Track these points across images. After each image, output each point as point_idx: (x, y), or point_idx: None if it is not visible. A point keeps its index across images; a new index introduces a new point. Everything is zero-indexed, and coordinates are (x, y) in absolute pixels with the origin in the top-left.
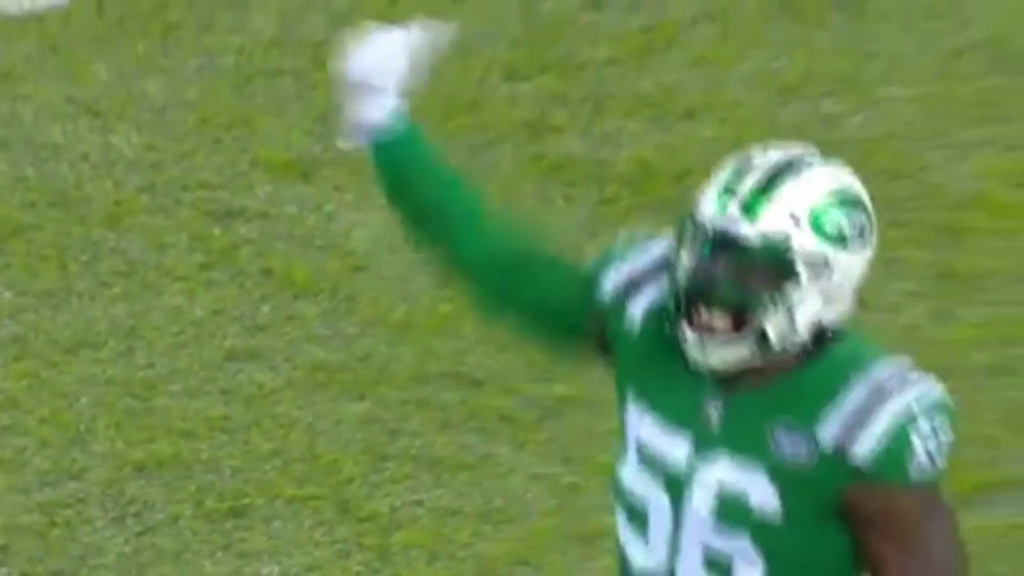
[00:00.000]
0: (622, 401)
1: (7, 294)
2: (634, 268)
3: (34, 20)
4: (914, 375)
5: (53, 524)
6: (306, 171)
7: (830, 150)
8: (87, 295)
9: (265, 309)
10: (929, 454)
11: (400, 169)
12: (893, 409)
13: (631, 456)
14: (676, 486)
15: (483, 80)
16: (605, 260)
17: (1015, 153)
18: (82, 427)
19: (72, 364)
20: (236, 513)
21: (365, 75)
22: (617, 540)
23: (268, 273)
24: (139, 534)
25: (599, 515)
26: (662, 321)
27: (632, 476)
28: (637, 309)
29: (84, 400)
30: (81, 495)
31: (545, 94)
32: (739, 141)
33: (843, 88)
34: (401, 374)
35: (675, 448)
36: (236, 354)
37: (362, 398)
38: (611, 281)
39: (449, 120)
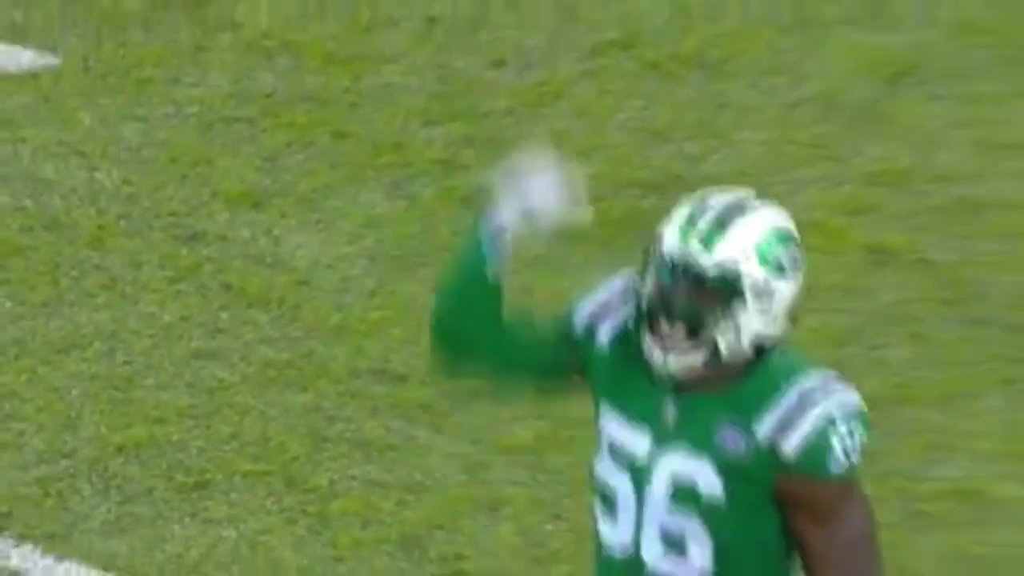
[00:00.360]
0: (597, 412)
1: (8, 304)
2: (598, 302)
3: (30, 76)
4: (836, 386)
5: (47, 495)
6: (257, 201)
7: (692, 185)
8: (76, 304)
9: (224, 316)
10: (846, 452)
11: (477, 282)
12: (817, 414)
13: (604, 453)
14: (639, 475)
15: (404, 125)
16: (574, 306)
17: (842, 187)
18: (72, 414)
19: (63, 362)
20: (201, 486)
21: (526, 198)
22: (593, 523)
23: (226, 286)
24: (120, 503)
25: (502, 487)
26: (627, 340)
27: (604, 469)
28: (605, 333)
29: (74, 392)
30: (71, 471)
31: (456, 137)
32: (617, 177)
33: (702, 133)
34: (337, 370)
35: (638, 443)
36: (200, 353)
37: (305, 390)
38: (580, 318)
39: (377, 158)
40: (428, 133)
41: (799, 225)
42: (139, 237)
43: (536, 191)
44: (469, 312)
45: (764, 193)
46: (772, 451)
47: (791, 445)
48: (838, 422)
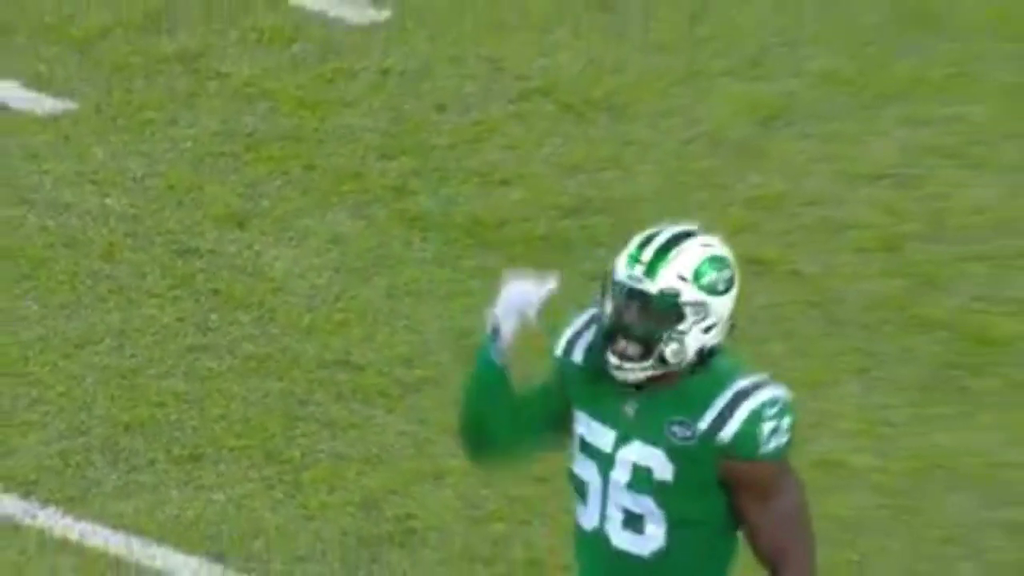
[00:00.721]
0: (574, 419)
1: (34, 306)
2: (572, 330)
3: (52, 119)
4: (765, 383)
5: (67, 466)
6: (241, 222)
7: (602, 209)
8: (90, 307)
9: (214, 317)
10: (774, 437)
11: (490, 377)
12: (749, 406)
13: (576, 451)
14: (605, 464)
15: (363, 158)
16: (553, 345)
17: (728, 210)
18: (88, 399)
19: (80, 355)
20: (194, 458)
21: (509, 309)
22: (574, 513)
23: (216, 292)
24: (127, 472)
25: (445, 459)
26: (596, 354)
27: (577, 464)
28: (579, 352)
29: (89, 380)
30: (87, 446)
31: (406, 169)
32: (540, 202)
33: (610, 165)
34: (308, 362)
35: (604, 438)
36: (194, 348)
37: (280, 378)
38: (560, 347)
39: (340, 186)
40: (383, 165)
41: None
42: (143, 252)
43: (521, 297)
44: (487, 402)
45: (661, 216)
46: (713, 440)
47: (728, 434)
48: (765, 412)
